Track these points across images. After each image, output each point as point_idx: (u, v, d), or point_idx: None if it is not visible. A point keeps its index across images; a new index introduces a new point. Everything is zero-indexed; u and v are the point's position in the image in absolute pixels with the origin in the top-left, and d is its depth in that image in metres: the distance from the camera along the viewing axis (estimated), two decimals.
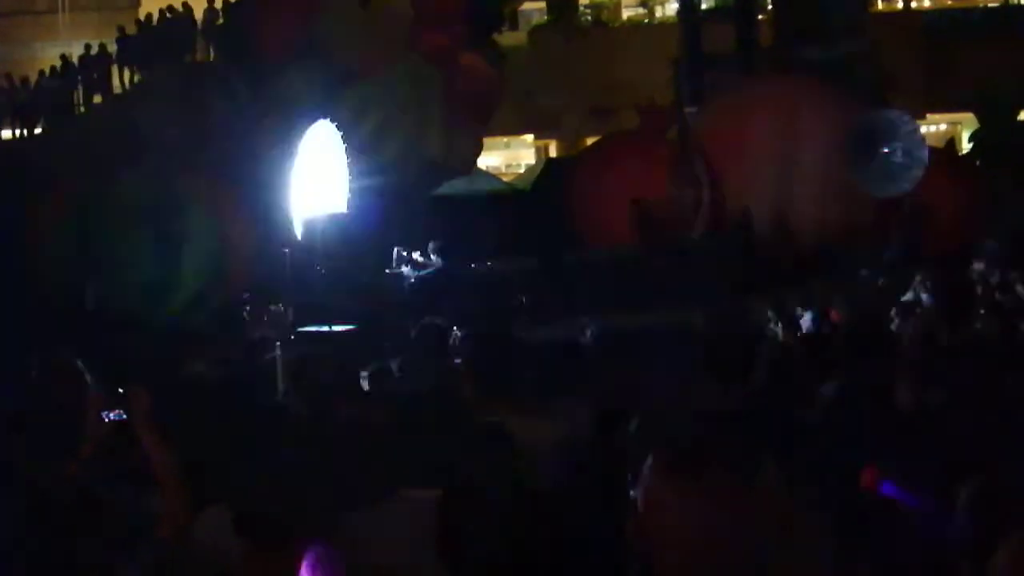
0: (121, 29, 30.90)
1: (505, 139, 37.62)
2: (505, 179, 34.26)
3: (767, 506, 2.93)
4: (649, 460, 2.92)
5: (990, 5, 42.77)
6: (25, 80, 31.49)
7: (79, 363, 7.31)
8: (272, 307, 18.71)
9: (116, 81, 30.62)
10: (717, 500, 2.87)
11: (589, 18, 39.70)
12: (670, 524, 2.88)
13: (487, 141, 27.33)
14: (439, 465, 4.51)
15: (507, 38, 30.51)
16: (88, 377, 7.25)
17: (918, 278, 14.53)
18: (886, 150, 24.11)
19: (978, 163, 30.90)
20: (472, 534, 3.55)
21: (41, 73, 31.24)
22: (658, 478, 2.92)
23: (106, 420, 5.31)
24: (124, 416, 5.25)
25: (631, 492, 2.99)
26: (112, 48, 30.89)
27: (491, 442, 4.54)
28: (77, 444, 5.37)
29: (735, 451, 2.92)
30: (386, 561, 4.58)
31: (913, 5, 42.56)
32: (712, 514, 2.86)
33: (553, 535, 3.54)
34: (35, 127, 30.78)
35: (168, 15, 30.35)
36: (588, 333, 8.17)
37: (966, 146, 33.89)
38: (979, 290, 13.39)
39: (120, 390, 5.32)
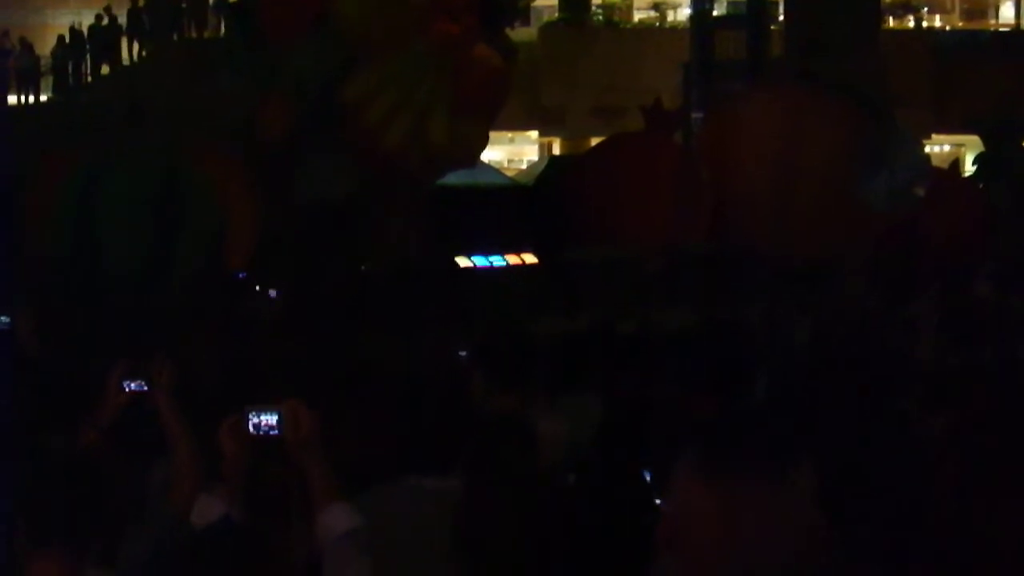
0: (133, 0, 30.83)
1: (509, 134, 37.55)
2: (508, 174, 34.23)
3: (798, 511, 2.89)
4: (681, 459, 2.89)
5: (1000, 29, 42.86)
6: (24, 43, 31.40)
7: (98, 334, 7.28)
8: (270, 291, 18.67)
9: (125, 53, 30.57)
10: (747, 502, 2.84)
11: (601, 18, 39.69)
12: (699, 523, 2.85)
13: (491, 135, 27.24)
14: (452, 455, 4.47)
15: (518, 34, 30.43)
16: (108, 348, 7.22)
17: (920, 300, 14.52)
18: (890, 168, 24.04)
19: (981, 186, 30.87)
20: (498, 526, 3.51)
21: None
22: (689, 477, 2.90)
23: (127, 390, 5.31)
24: (144, 387, 5.25)
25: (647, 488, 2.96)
26: (122, 19, 30.84)
27: (510, 434, 4.49)
28: (95, 413, 5.36)
29: (769, 454, 2.90)
30: (390, 547, 4.54)
31: (924, 24, 42.58)
32: (741, 515, 2.83)
33: (573, 530, 3.50)
34: (40, 94, 30.71)
35: None
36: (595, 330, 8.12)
37: (969, 168, 33.87)
38: (983, 313, 13.39)
39: (143, 360, 5.33)
